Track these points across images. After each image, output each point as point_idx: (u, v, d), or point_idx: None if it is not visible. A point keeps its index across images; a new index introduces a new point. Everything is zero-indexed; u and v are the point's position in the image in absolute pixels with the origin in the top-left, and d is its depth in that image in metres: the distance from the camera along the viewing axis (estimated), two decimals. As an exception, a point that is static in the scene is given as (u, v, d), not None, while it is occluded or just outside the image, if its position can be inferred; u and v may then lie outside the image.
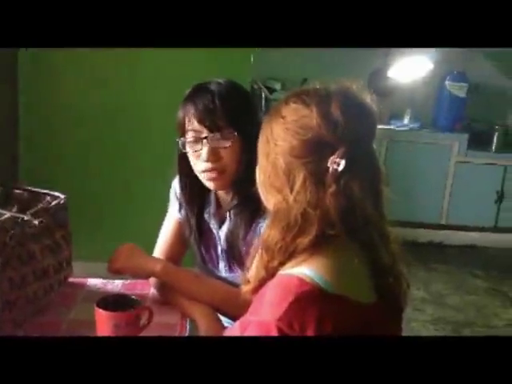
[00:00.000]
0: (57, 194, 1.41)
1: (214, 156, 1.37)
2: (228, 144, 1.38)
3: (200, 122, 1.37)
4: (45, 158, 3.13)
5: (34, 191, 1.45)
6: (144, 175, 3.17)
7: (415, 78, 4.48)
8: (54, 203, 1.35)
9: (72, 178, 3.08)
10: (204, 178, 1.42)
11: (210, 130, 1.37)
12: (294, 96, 0.99)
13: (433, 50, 4.19)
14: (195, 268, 1.63)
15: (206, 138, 1.37)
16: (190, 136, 1.40)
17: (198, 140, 1.38)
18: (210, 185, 1.43)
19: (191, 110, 1.38)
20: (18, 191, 1.46)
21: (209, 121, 1.36)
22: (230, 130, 1.37)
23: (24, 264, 1.21)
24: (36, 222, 1.25)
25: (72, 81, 3.07)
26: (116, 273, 1.43)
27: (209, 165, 1.38)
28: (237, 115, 1.38)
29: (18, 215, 1.26)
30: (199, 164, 1.40)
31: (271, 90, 4.48)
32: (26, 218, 1.25)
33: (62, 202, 1.38)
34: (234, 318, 1.30)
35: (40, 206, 1.33)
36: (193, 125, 1.38)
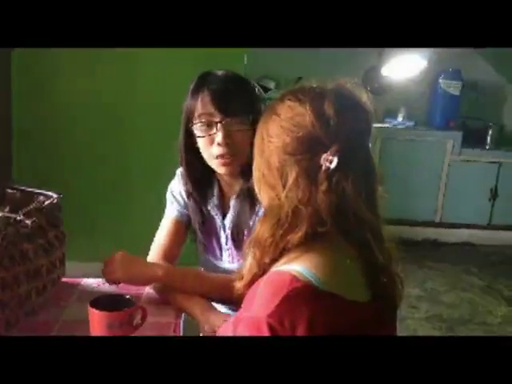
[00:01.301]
0: (50, 193, 1.40)
1: (228, 139, 1.39)
2: (241, 128, 1.40)
3: (215, 105, 1.39)
4: (38, 158, 3.12)
5: (26, 191, 1.44)
6: (139, 175, 3.17)
7: (409, 76, 4.49)
8: (47, 203, 1.35)
9: (66, 178, 3.07)
10: (216, 163, 1.43)
11: (225, 114, 1.39)
12: (289, 94, 0.99)
13: (427, 48, 4.20)
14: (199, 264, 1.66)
15: (220, 122, 1.39)
16: (202, 121, 1.41)
17: (211, 124, 1.40)
18: (222, 170, 1.44)
19: (206, 94, 1.40)
20: (10, 191, 1.45)
21: (224, 105, 1.39)
22: (242, 114, 1.40)
23: (16, 264, 1.20)
24: (29, 222, 1.24)
25: (66, 80, 3.06)
26: (114, 283, 1.41)
27: (223, 149, 1.40)
28: (248, 100, 1.43)
29: (10, 215, 1.25)
30: (212, 149, 1.42)
31: (265, 89, 4.47)
32: (18, 217, 1.24)
33: (55, 201, 1.37)
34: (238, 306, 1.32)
35: (33, 205, 1.32)
36: (206, 109, 1.40)
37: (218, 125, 1.39)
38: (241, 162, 1.43)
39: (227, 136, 1.39)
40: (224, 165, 1.42)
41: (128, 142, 3.18)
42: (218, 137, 1.39)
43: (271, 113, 1.00)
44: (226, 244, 1.56)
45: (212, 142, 1.41)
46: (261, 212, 1.44)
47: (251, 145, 1.39)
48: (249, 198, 1.46)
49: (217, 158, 1.42)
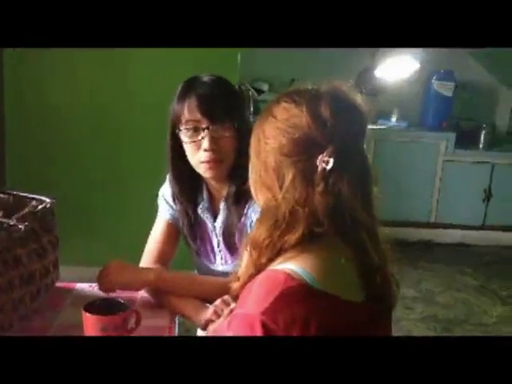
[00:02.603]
0: (43, 198, 1.40)
1: (215, 145, 1.40)
2: (227, 134, 1.41)
3: (202, 111, 1.39)
4: (32, 162, 3.11)
5: (19, 196, 1.44)
6: (134, 178, 3.16)
7: (402, 77, 4.50)
8: (40, 207, 1.34)
9: (59, 181, 3.06)
10: (203, 168, 1.44)
11: (212, 121, 1.40)
12: (285, 96, 1.00)
13: (420, 49, 4.21)
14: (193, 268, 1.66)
15: (207, 128, 1.39)
16: (189, 127, 1.42)
17: (198, 130, 1.41)
18: (208, 175, 1.45)
19: (192, 100, 1.40)
20: (3, 196, 1.45)
21: (210, 111, 1.40)
22: (228, 120, 1.41)
23: (10, 269, 1.20)
24: (22, 227, 1.23)
25: (59, 81, 3.04)
26: (109, 291, 1.42)
27: (210, 154, 1.41)
28: (234, 107, 1.44)
29: (3, 220, 1.25)
30: (199, 154, 1.42)
31: (259, 92, 4.48)
32: (11, 222, 1.24)
33: (48, 206, 1.37)
34: None
35: (26, 210, 1.32)
36: (193, 115, 1.40)
37: (205, 131, 1.40)
38: (227, 166, 1.44)
39: (213, 142, 1.40)
40: (210, 169, 1.43)
41: (123, 145, 3.17)
42: (205, 143, 1.40)
43: (267, 114, 1.00)
44: (218, 247, 1.56)
45: (198, 147, 1.42)
46: (249, 213, 1.45)
47: (237, 150, 1.40)
48: (237, 200, 1.47)
49: (203, 163, 1.43)
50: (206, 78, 1.45)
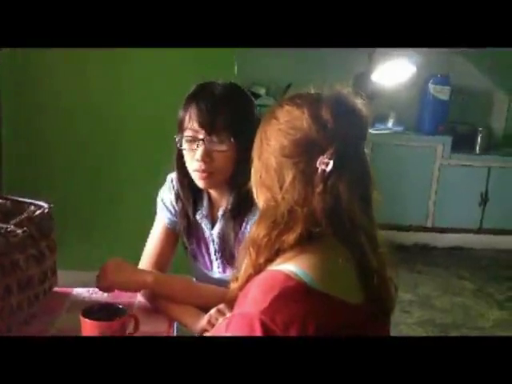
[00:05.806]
0: (41, 203, 1.40)
1: (207, 157, 1.40)
2: (223, 148, 1.40)
3: (199, 123, 1.39)
4: (29, 165, 3.10)
5: (17, 201, 1.44)
6: (130, 183, 3.15)
7: (399, 81, 4.51)
8: (38, 212, 1.34)
9: (56, 186, 3.05)
10: (195, 176, 1.44)
11: (208, 133, 1.39)
12: (288, 99, 1.02)
13: (416, 53, 4.23)
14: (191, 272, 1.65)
15: (202, 139, 1.39)
16: (187, 134, 1.42)
17: (194, 139, 1.41)
18: (200, 184, 1.45)
19: (193, 109, 1.40)
20: (0, 201, 1.45)
21: (208, 123, 1.39)
22: (227, 134, 1.40)
23: (8, 274, 1.20)
24: (20, 232, 1.23)
25: (57, 82, 3.03)
26: (106, 290, 1.42)
27: (201, 165, 1.40)
28: (236, 121, 1.40)
29: (0, 225, 1.25)
30: (193, 163, 1.42)
31: (256, 96, 4.48)
32: (9, 228, 1.24)
33: (46, 211, 1.37)
34: None
35: (24, 215, 1.32)
36: (192, 124, 1.41)
37: (200, 141, 1.39)
38: (220, 178, 1.44)
39: (207, 154, 1.39)
40: (201, 179, 1.43)
41: (121, 149, 3.16)
42: (197, 153, 1.40)
43: (270, 117, 1.02)
44: (215, 254, 1.56)
45: (193, 156, 1.42)
46: (247, 231, 1.44)
47: (235, 163, 1.40)
48: (235, 215, 1.47)
49: (195, 172, 1.43)
50: (214, 88, 1.43)
